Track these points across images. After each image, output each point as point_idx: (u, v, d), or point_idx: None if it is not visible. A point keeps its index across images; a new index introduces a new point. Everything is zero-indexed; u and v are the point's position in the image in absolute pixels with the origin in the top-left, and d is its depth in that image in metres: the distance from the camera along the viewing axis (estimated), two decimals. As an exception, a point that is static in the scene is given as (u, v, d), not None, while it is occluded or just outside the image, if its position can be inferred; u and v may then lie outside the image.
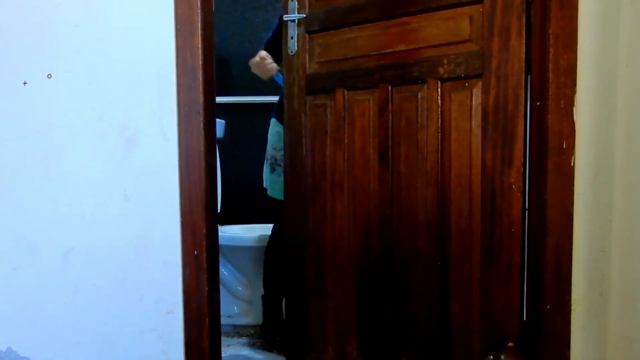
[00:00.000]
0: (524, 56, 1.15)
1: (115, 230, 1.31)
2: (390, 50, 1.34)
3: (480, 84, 1.20)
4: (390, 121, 1.35)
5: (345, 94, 1.43)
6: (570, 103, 1.07)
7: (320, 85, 1.48)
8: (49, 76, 1.30)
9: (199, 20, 1.26)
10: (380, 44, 1.36)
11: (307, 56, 1.51)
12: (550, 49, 1.07)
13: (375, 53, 1.37)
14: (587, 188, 1.07)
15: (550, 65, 1.07)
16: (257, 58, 1.91)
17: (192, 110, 1.27)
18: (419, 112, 1.29)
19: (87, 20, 1.29)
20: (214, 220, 1.38)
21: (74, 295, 1.32)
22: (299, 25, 1.51)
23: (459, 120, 1.23)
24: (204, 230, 1.28)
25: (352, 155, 1.43)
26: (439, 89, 1.26)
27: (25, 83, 1.30)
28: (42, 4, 1.29)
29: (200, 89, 1.27)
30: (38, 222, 1.32)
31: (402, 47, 1.32)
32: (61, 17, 1.29)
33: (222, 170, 2.53)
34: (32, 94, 1.30)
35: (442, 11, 1.25)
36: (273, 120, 1.99)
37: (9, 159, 1.31)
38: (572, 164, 1.07)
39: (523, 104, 1.17)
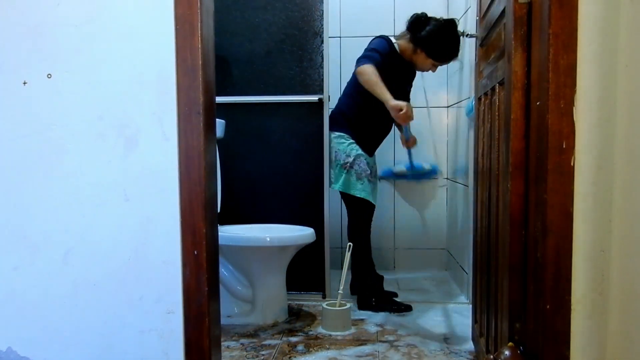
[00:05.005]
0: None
1: (115, 230, 1.31)
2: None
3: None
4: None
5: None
6: (570, 103, 1.07)
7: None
8: (49, 76, 1.30)
9: (199, 20, 1.25)
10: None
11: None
12: (550, 49, 1.07)
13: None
14: (587, 188, 1.07)
15: (550, 65, 1.07)
16: (405, 109, 2.30)
17: (192, 110, 1.27)
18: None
19: (87, 20, 1.29)
20: (214, 220, 1.38)
21: (74, 295, 1.32)
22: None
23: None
24: (204, 230, 1.28)
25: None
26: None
27: (25, 83, 1.30)
28: (42, 4, 1.29)
29: (200, 89, 1.26)
30: (38, 222, 1.32)
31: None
32: (61, 17, 1.29)
33: (222, 170, 2.54)
34: (32, 94, 1.30)
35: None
36: (339, 134, 2.55)
37: (9, 159, 1.31)
38: (572, 164, 1.07)
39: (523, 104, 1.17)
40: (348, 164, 2.51)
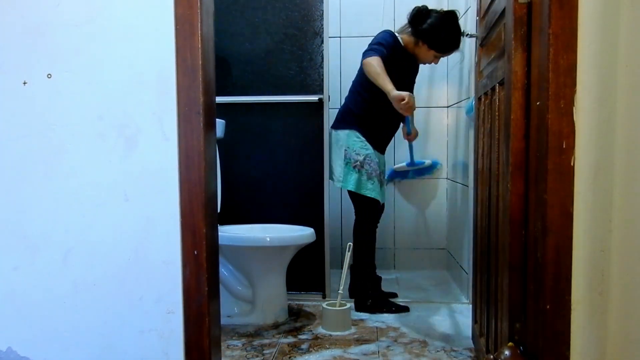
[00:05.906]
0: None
1: (115, 230, 1.31)
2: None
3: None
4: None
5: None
6: (570, 103, 1.07)
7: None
8: (49, 76, 1.30)
9: (199, 20, 1.25)
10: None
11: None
12: (550, 49, 1.07)
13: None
14: (587, 188, 1.07)
15: (550, 65, 1.07)
16: (407, 99, 2.28)
17: (192, 110, 1.27)
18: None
19: (87, 20, 1.29)
20: (214, 220, 1.38)
21: (73, 295, 1.32)
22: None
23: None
24: (204, 230, 1.28)
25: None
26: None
27: (25, 83, 1.30)
28: (42, 4, 1.29)
29: (200, 89, 1.27)
30: (38, 222, 1.32)
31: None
32: (61, 17, 1.29)
33: (222, 170, 2.54)
34: (32, 94, 1.30)
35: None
36: (349, 131, 2.50)
37: (9, 159, 1.31)
38: (572, 164, 1.07)
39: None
40: (358, 163, 2.47)
